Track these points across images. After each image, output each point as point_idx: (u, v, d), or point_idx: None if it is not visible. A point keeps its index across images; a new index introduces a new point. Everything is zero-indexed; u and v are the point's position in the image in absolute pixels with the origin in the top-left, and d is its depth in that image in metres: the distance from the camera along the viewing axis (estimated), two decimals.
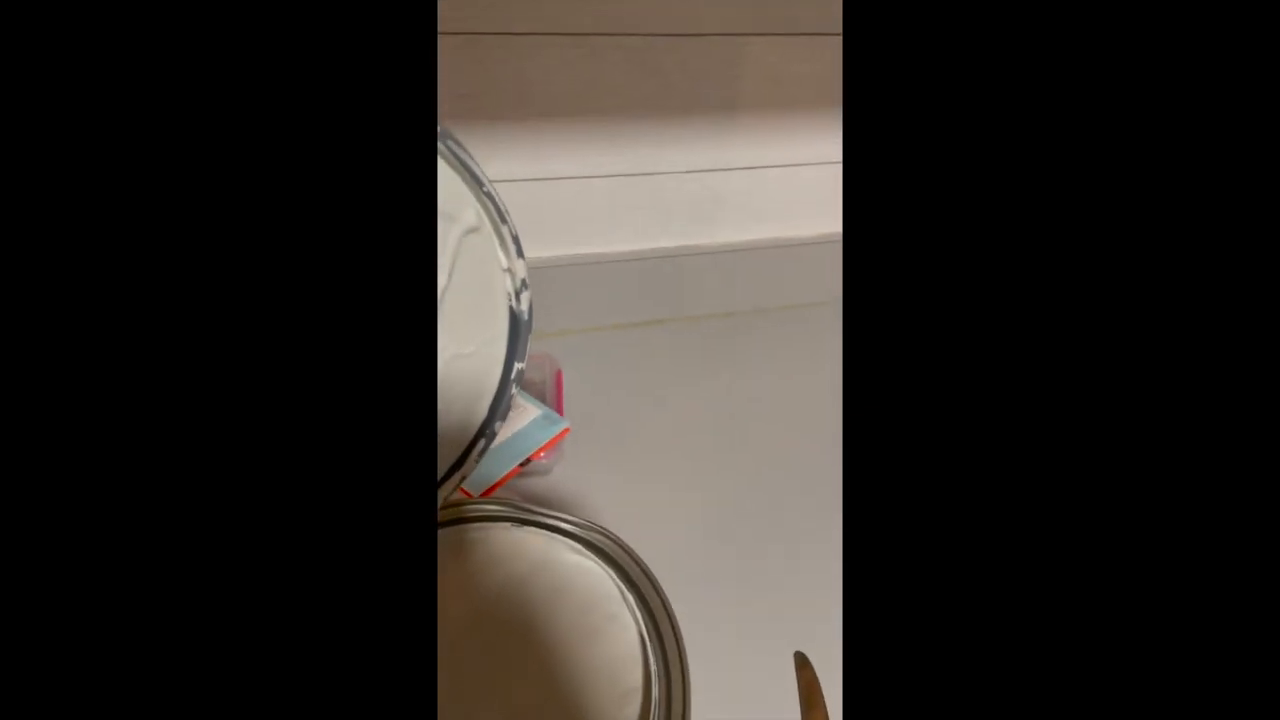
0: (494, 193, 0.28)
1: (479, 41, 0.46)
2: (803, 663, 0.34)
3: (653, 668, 0.24)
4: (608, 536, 0.29)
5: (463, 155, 0.27)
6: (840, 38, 0.54)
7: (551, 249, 0.60)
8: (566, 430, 0.49)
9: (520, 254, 0.30)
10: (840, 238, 0.68)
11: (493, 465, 0.45)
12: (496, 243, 0.29)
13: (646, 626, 0.25)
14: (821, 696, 0.26)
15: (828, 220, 0.68)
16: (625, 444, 0.54)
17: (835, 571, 0.46)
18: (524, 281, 0.30)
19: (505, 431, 0.47)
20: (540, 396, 0.53)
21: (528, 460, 0.46)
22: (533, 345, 0.61)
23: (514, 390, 0.50)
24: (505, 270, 0.29)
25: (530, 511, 0.30)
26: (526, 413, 0.49)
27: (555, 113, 0.52)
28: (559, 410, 0.53)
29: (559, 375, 0.56)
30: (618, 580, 0.27)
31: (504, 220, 0.28)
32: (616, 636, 0.26)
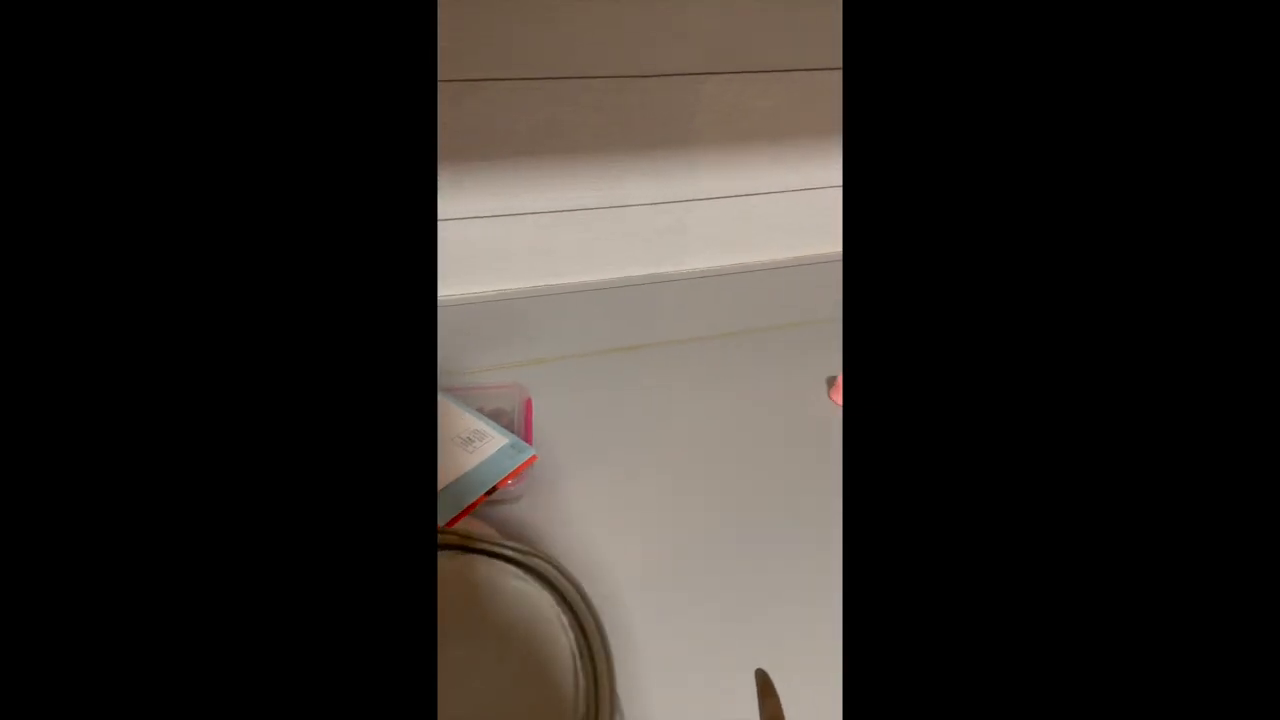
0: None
1: (446, 88, 0.49)
2: (763, 680, 0.35)
3: (582, 683, 0.26)
4: (547, 561, 0.30)
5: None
6: (792, 74, 0.57)
7: (521, 280, 0.62)
8: (533, 458, 0.50)
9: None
10: (805, 262, 0.69)
11: (459, 494, 0.46)
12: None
13: (578, 642, 0.27)
14: (779, 704, 0.27)
15: (792, 245, 0.70)
16: (595, 470, 0.55)
17: (807, 591, 0.46)
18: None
19: (472, 460, 0.48)
20: (509, 425, 0.55)
21: (494, 488, 0.47)
22: (503, 375, 0.63)
23: (481, 423, 0.51)
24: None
25: (476, 540, 0.31)
26: (493, 441, 0.50)
27: (522, 151, 0.54)
28: (528, 438, 0.54)
29: (528, 404, 0.57)
30: (555, 602, 0.28)
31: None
32: (552, 654, 0.27)
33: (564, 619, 0.28)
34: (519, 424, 0.55)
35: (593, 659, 0.26)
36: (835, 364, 0.64)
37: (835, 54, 0.57)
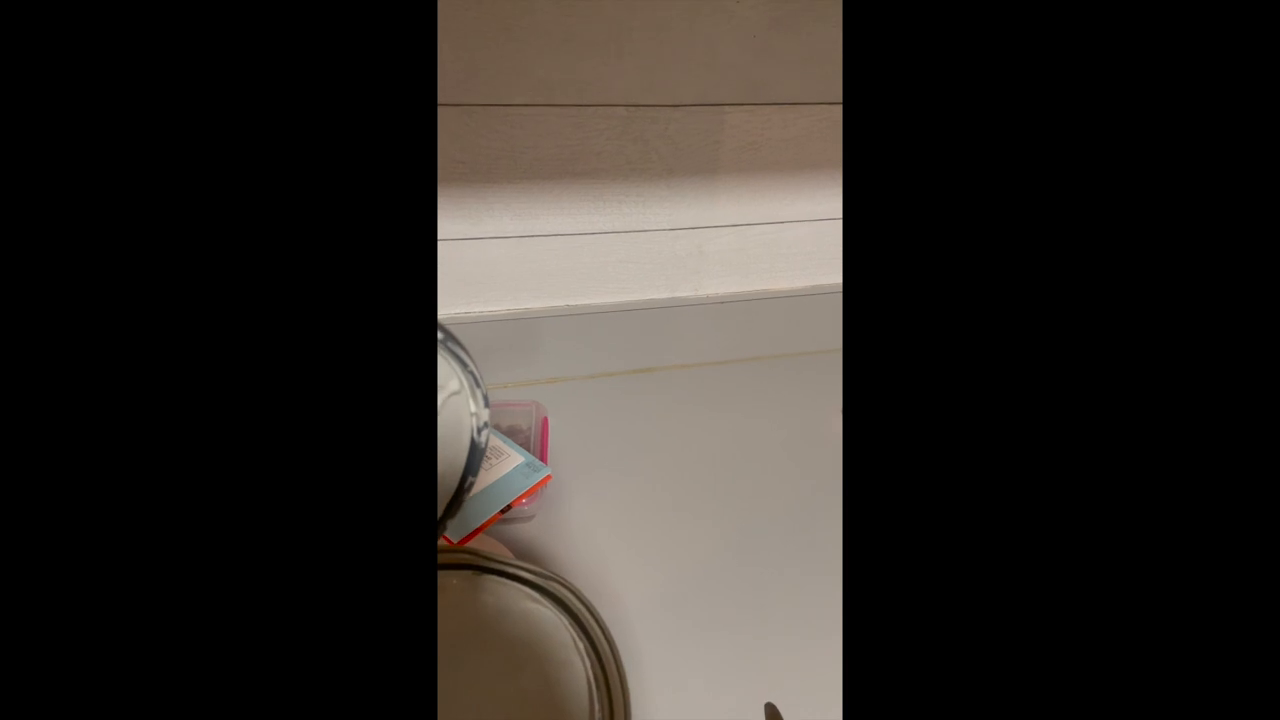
0: (474, 369, 0.40)
1: (473, 112, 0.50)
2: (772, 715, 0.35)
3: (598, 713, 0.26)
4: (563, 585, 0.30)
5: (453, 347, 0.38)
6: (810, 107, 0.57)
7: (542, 300, 0.63)
8: (548, 478, 0.51)
9: (487, 404, 0.42)
10: (818, 290, 0.70)
11: (473, 511, 0.46)
12: (469, 399, 0.41)
13: (594, 670, 0.27)
14: None
15: (809, 274, 0.70)
16: (610, 491, 0.55)
17: (819, 619, 0.46)
18: (486, 423, 0.42)
19: (487, 477, 0.49)
20: (525, 443, 0.55)
21: (509, 507, 0.48)
22: (521, 393, 0.64)
23: (498, 440, 0.52)
24: (473, 414, 0.42)
25: (491, 560, 0.32)
26: (509, 459, 0.51)
27: (545, 176, 0.55)
28: (543, 457, 0.55)
29: (545, 422, 0.58)
30: (570, 626, 0.28)
31: (478, 385, 0.41)
32: (567, 679, 0.27)
33: (580, 645, 0.28)
34: (535, 442, 0.56)
35: (608, 688, 0.26)
36: None
37: None
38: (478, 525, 0.46)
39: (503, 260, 0.59)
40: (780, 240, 0.65)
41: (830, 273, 0.72)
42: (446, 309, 0.61)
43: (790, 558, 0.51)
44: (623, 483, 0.56)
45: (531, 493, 0.49)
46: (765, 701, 0.38)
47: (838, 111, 0.59)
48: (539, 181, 0.55)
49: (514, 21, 0.46)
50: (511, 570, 0.31)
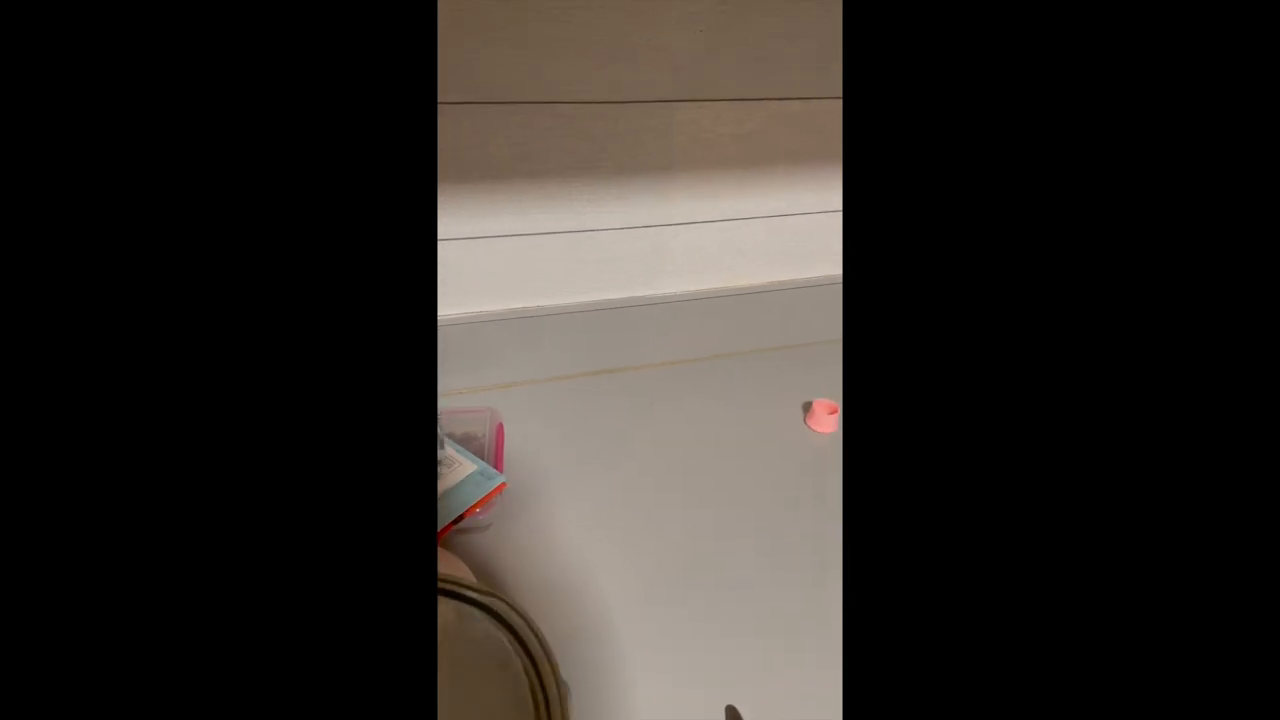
0: None
1: None
2: (733, 717, 0.34)
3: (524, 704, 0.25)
4: (504, 602, 0.29)
5: None
6: (765, 102, 0.57)
7: (494, 303, 0.61)
8: (503, 486, 0.49)
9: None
10: (779, 287, 0.69)
11: None
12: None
13: (535, 688, 0.26)
14: None
15: (768, 269, 0.70)
16: (569, 498, 0.54)
17: (782, 621, 0.46)
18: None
19: (440, 487, 0.47)
20: (480, 451, 0.54)
21: (461, 517, 0.46)
22: (475, 399, 0.62)
23: (450, 448, 0.50)
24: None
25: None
26: (461, 468, 0.49)
27: (492, 175, 0.54)
28: (498, 465, 0.53)
29: (500, 429, 0.56)
30: (511, 643, 0.27)
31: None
32: (508, 694, 0.26)
33: (522, 663, 0.27)
34: (489, 450, 0.54)
35: (548, 706, 0.25)
36: (811, 389, 0.64)
37: (807, 83, 0.57)
38: None
39: (451, 263, 0.57)
40: (737, 237, 0.65)
41: (788, 268, 0.72)
42: None
43: (754, 560, 0.50)
44: (582, 489, 0.55)
45: (485, 502, 0.48)
46: (726, 704, 0.37)
47: (791, 107, 0.58)
48: (487, 181, 0.53)
49: (451, 14, 0.44)
50: (451, 589, 0.30)
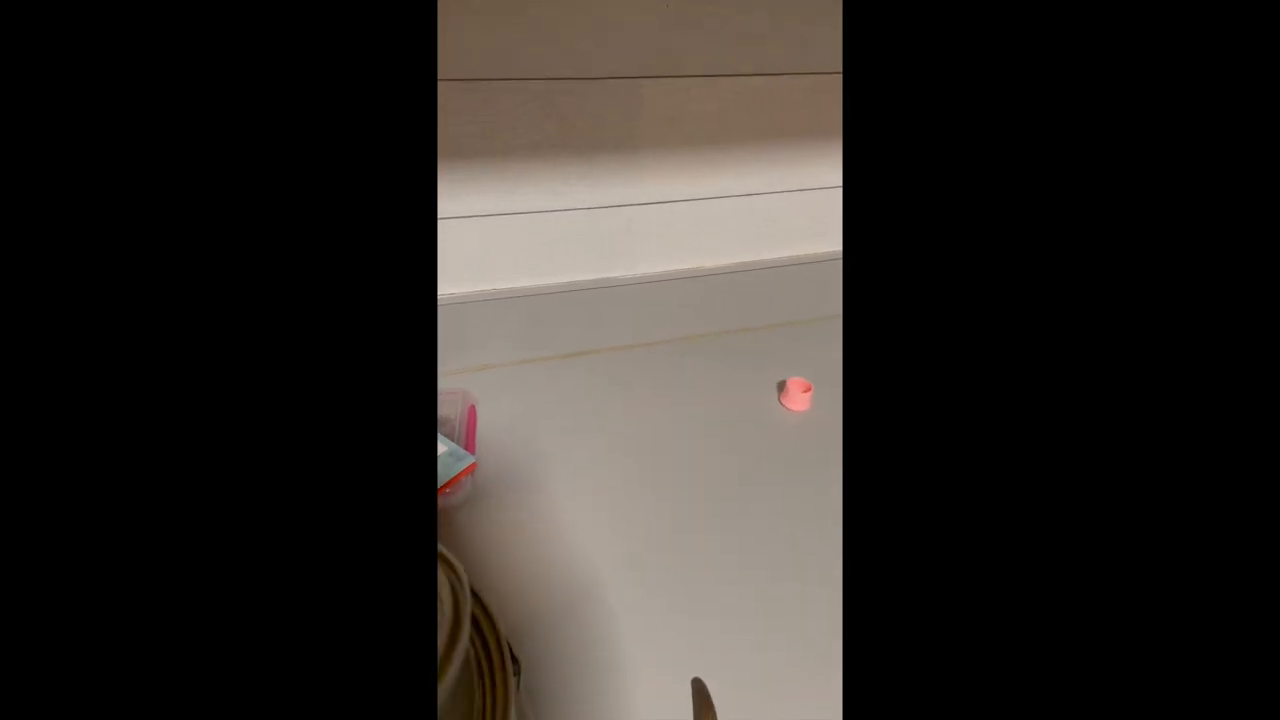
0: None
1: None
2: (699, 689, 0.35)
3: (477, 698, 0.25)
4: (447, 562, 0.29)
5: None
6: (734, 79, 0.57)
7: (465, 285, 0.61)
8: (473, 466, 0.49)
9: None
10: (752, 267, 0.69)
11: None
12: None
13: (481, 658, 0.26)
14: (715, 715, 0.27)
15: (740, 250, 0.70)
16: (539, 480, 0.54)
17: (754, 599, 0.46)
18: None
19: None
20: (451, 433, 0.53)
21: None
22: (448, 381, 0.62)
23: None
24: None
25: None
26: None
27: (461, 154, 0.53)
28: (469, 446, 0.53)
29: (472, 410, 0.56)
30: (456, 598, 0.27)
31: None
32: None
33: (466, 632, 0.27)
34: (460, 431, 0.54)
35: (493, 674, 0.25)
36: (785, 369, 0.64)
37: (776, 59, 0.57)
38: None
39: None
40: (709, 216, 0.65)
41: (760, 248, 0.72)
42: None
43: (727, 541, 0.50)
44: (556, 470, 0.55)
45: (455, 482, 0.47)
46: (693, 678, 0.37)
47: (758, 83, 0.58)
48: (453, 160, 0.53)
49: None
50: None
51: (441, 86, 0.49)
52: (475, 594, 0.28)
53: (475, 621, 0.27)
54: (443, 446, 0.49)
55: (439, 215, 0.57)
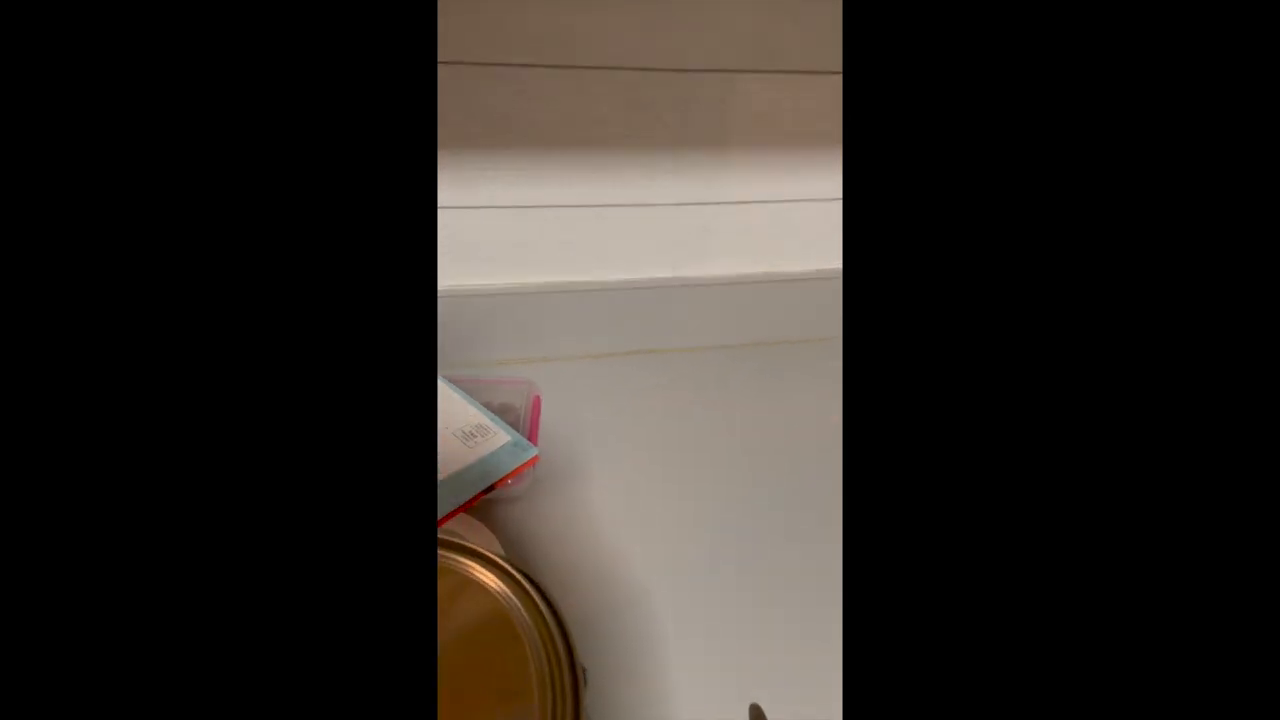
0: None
1: (465, 71, 0.47)
2: (757, 716, 0.33)
3: (541, 680, 0.24)
4: (522, 572, 0.28)
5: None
6: (829, 77, 0.54)
7: (539, 275, 0.60)
8: (536, 458, 0.49)
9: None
10: (831, 275, 0.67)
11: (454, 490, 0.44)
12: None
13: (548, 648, 0.25)
14: None
15: (818, 257, 0.67)
16: (600, 476, 0.53)
17: (815, 613, 0.44)
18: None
19: (470, 455, 0.47)
20: (515, 423, 0.53)
21: (492, 487, 0.46)
22: (514, 370, 0.62)
23: (485, 418, 0.50)
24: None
25: (449, 537, 0.30)
26: (496, 438, 0.49)
27: (543, 142, 0.53)
28: (533, 437, 0.53)
29: (537, 401, 0.56)
30: (522, 608, 0.27)
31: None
32: (518, 653, 0.26)
33: (538, 633, 0.26)
34: (525, 422, 0.53)
35: (559, 669, 0.24)
36: None
37: None
38: (457, 505, 0.44)
39: (497, 232, 0.57)
40: (789, 220, 0.62)
41: (840, 256, 0.69)
42: (438, 282, 0.59)
43: (788, 550, 0.48)
44: (616, 467, 0.54)
45: (517, 473, 0.47)
46: (751, 702, 0.36)
47: None
48: (538, 149, 0.52)
49: None
50: (468, 546, 0.29)
51: (531, 71, 0.48)
52: (549, 600, 0.27)
53: (545, 627, 0.26)
54: (506, 436, 0.49)
55: (519, 204, 0.56)
